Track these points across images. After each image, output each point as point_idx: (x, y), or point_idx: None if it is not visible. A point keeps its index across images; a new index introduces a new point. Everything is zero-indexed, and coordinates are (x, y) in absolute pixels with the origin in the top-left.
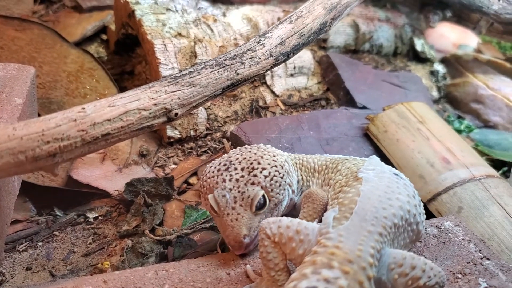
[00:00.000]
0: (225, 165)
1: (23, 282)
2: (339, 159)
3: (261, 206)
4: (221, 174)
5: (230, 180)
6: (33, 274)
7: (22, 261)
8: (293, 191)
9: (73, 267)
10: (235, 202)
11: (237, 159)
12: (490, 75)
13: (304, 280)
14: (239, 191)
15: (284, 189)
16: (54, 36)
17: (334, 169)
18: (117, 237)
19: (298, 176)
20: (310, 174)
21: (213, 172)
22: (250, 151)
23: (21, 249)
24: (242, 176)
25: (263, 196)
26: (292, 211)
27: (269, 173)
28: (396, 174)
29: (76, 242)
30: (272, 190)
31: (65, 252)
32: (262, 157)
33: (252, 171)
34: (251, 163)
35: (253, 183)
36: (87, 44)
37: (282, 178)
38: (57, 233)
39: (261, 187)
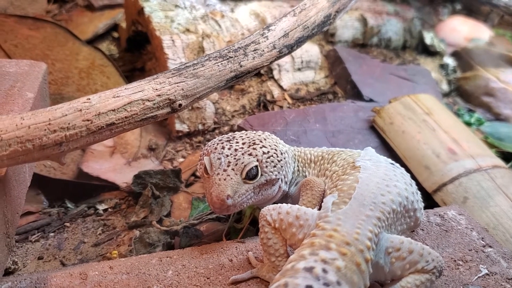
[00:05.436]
0: (228, 138)
1: (34, 271)
2: (335, 150)
3: (252, 176)
4: (222, 143)
5: (229, 149)
6: (44, 263)
7: (34, 251)
8: (285, 183)
9: (83, 256)
10: (228, 166)
11: (241, 136)
12: (502, 68)
13: (302, 261)
14: (234, 158)
15: (279, 173)
16: (66, 34)
17: (330, 160)
18: (126, 228)
19: (294, 168)
20: (307, 164)
21: (214, 142)
22: (255, 133)
23: (33, 240)
24: (242, 148)
25: (256, 167)
26: (285, 201)
27: (268, 151)
28: (392, 164)
29: (86, 233)
30: (266, 166)
31: (76, 243)
32: (265, 139)
33: (252, 145)
34: (254, 141)
35: (250, 154)
36: (99, 42)
37: (279, 161)
38: (68, 224)
39: (257, 160)
